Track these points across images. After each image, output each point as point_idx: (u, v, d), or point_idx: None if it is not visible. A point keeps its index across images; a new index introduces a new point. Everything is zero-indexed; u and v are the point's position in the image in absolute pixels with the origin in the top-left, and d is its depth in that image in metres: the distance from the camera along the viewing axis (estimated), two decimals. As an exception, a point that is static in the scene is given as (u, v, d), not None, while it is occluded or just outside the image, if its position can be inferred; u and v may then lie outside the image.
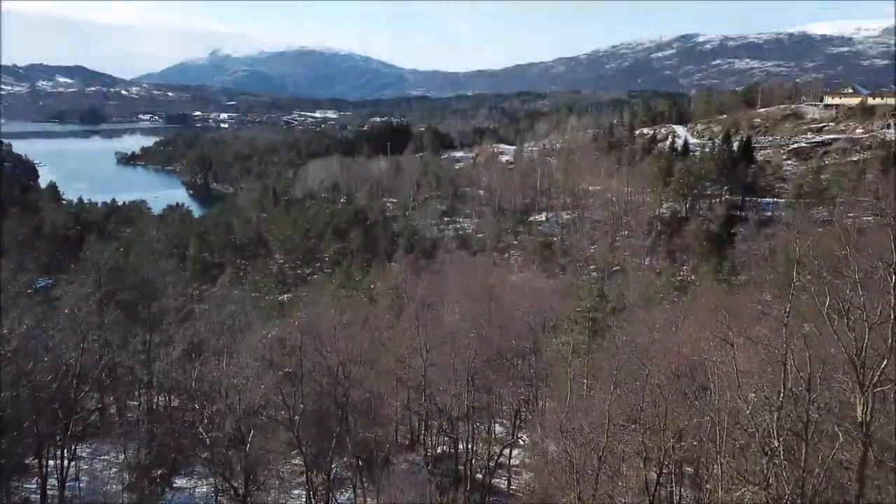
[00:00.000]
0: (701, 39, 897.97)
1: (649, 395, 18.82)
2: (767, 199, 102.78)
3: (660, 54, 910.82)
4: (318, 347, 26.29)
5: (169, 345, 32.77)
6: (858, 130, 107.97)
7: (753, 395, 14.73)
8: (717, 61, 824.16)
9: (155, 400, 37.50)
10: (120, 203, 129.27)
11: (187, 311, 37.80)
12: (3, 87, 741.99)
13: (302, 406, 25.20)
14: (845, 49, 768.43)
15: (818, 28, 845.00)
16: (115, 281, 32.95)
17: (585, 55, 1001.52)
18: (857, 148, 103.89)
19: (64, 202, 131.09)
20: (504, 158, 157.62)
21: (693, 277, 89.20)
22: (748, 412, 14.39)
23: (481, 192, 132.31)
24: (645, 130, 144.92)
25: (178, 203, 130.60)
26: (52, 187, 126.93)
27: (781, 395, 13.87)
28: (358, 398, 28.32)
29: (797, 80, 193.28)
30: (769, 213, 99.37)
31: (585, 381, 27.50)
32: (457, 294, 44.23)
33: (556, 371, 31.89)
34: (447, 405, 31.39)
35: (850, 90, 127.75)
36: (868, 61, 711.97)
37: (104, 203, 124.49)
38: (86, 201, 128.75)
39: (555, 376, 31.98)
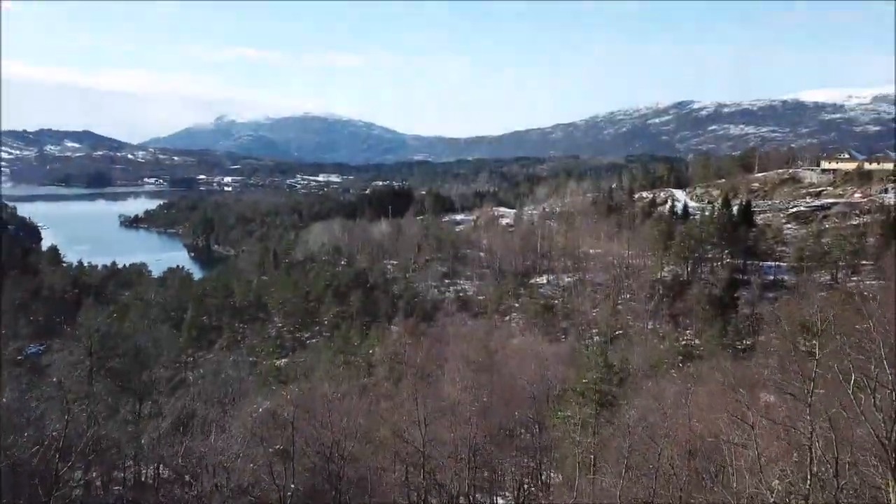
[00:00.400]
0: (696, 106, 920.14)
1: (662, 476, 17.66)
2: (769, 263, 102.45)
3: (656, 120, 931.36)
4: (311, 423, 25.15)
5: (159, 415, 31.56)
6: (857, 195, 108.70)
7: (777, 481, 13.66)
8: (713, 127, 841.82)
9: (144, 472, 35.94)
10: (120, 266, 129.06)
11: (179, 380, 36.67)
12: (11, 151, 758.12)
13: (293, 486, 23.87)
14: (838, 116, 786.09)
15: (810, 95, 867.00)
16: (106, 348, 31.99)
17: (583, 121, 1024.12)
18: (857, 212, 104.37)
19: (64, 264, 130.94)
20: (504, 221, 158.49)
21: (697, 342, 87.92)
22: (772, 501, 13.29)
23: (482, 254, 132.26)
24: (644, 194, 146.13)
25: (178, 266, 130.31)
26: (53, 250, 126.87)
27: (808, 481, 12.84)
28: (353, 475, 26.93)
29: (793, 146, 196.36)
30: (771, 277, 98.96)
31: (593, 456, 26.16)
32: (457, 361, 43.00)
33: (561, 445, 30.50)
34: (447, 481, 29.90)
35: (846, 155, 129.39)
36: (861, 127, 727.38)
37: (104, 266, 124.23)
38: (86, 264, 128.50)
39: (561, 450, 30.57)
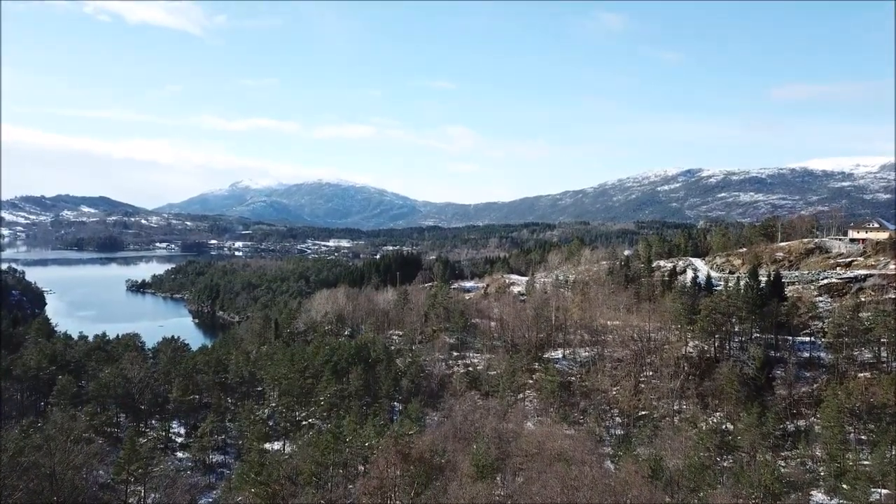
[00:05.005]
0: (705, 174, 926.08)
1: None
2: (803, 339, 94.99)
3: (666, 187, 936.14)
4: None
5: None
6: (892, 266, 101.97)
7: None
8: (722, 194, 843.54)
9: None
10: (114, 334, 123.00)
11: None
12: (28, 216, 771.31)
13: None
14: (847, 184, 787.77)
15: (818, 164, 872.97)
16: (18, 469, 25.48)
17: (592, 188, 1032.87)
18: (894, 285, 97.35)
19: (57, 334, 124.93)
20: (516, 290, 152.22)
21: (731, 426, 79.73)
22: None
23: (493, 324, 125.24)
24: (662, 263, 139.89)
25: (174, 336, 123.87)
26: (44, 321, 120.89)
27: None
28: None
29: (815, 214, 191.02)
30: (806, 355, 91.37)
31: None
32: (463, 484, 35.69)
33: None
34: None
35: (876, 224, 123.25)
36: (871, 195, 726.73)
37: (97, 336, 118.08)
38: (80, 334, 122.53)
39: None
